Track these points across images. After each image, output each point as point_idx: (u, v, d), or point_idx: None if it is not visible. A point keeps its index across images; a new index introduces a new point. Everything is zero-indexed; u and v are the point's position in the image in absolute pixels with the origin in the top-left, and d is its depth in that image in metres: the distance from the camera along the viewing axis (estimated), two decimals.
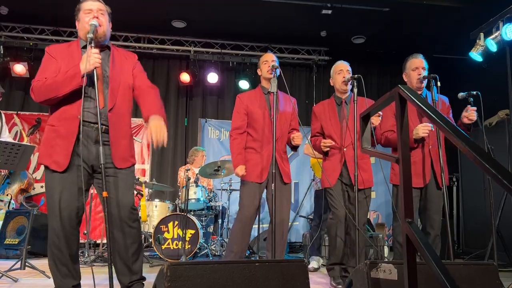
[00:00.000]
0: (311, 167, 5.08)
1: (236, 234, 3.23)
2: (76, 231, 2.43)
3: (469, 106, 3.18)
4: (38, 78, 2.34)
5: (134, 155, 2.57)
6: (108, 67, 2.43)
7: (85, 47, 2.36)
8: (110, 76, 2.41)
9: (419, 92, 3.30)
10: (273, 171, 2.98)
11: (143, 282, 2.54)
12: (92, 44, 2.27)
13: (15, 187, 5.44)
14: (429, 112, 1.19)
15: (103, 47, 2.46)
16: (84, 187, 2.27)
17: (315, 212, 4.74)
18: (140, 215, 2.52)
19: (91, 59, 2.22)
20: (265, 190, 3.33)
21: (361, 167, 3.31)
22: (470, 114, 3.12)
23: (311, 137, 3.56)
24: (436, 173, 3.19)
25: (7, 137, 3.93)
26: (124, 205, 2.42)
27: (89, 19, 2.36)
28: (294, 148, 3.40)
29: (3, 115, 4.26)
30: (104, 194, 2.24)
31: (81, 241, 5.92)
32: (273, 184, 2.95)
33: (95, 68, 2.25)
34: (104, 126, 2.34)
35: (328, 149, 3.37)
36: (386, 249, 5.06)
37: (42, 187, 6.32)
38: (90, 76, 2.27)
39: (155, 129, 2.27)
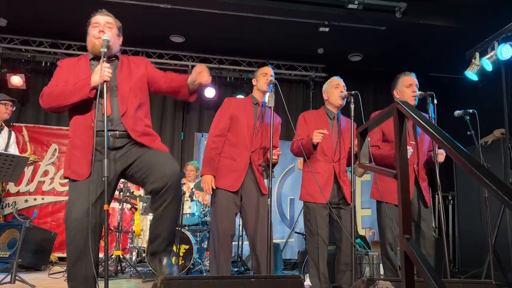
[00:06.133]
0: None
1: (216, 253, 3.04)
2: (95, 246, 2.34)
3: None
4: (49, 85, 2.42)
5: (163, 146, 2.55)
6: (116, 76, 2.47)
7: (93, 59, 2.50)
8: (119, 84, 2.46)
9: None
10: (270, 186, 2.92)
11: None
12: (105, 58, 2.33)
13: None
14: (428, 127, 1.19)
15: (111, 58, 2.51)
16: (108, 197, 2.29)
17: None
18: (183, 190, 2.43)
19: (103, 72, 2.29)
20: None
21: (345, 182, 3.30)
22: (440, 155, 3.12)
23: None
24: (423, 191, 3.18)
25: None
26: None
27: (96, 32, 2.44)
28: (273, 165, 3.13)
29: (13, 132, 4.30)
30: (105, 207, 2.21)
31: None
32: (269, 199, 2.88)
33: (104, 81, 2.30)
34: (118, 132, 2.38)
35: (320, 139, 3.14)
36: (382, 267, 5.01)
37: (35, 199, 6.26)
38: (99, 87, 2.32)
39: (199, 70, 2.44)
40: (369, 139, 3.16)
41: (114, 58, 2.55)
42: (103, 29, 2.45)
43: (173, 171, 2.37)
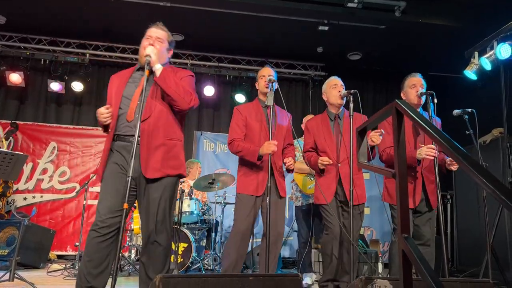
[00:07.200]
0: (293, 182, 4.92)
1: (230, 250, 3.15)
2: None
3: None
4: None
5: (175, 166, 2.56)
6: (150, 86, 2.55)
7: (139, 69, 2.66)
8: (150, 93, 2.53)
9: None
10: (269, 184, 2.95)
11: None
12: (148, 77, 2.50)
13: None
14: (426, 126, 1.19)
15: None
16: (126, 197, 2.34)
17: (302, 229, 4.64)
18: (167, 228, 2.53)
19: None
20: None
21: (355, 182, 3.26)
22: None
23: (304, 152, 3.51)
24: (428, 194, 3.19)
25: None
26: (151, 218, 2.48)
27: (146, 44, 2.61)
28: (289, 171, 3.38)
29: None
30: (125, 206, 2.28)
31: (72, 253, 5.89)
32: (268, 198, 2.92)
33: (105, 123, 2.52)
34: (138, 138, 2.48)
35: (324, 167, 3.30)
36: (380, 266, 5.01)
37: (34, 197, 6.25)
38: (126, 97, 2.53)
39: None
40: (372, 142, 3.17)
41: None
42: (153, 42, 2.60)
43: (158, 230, 2.47)
